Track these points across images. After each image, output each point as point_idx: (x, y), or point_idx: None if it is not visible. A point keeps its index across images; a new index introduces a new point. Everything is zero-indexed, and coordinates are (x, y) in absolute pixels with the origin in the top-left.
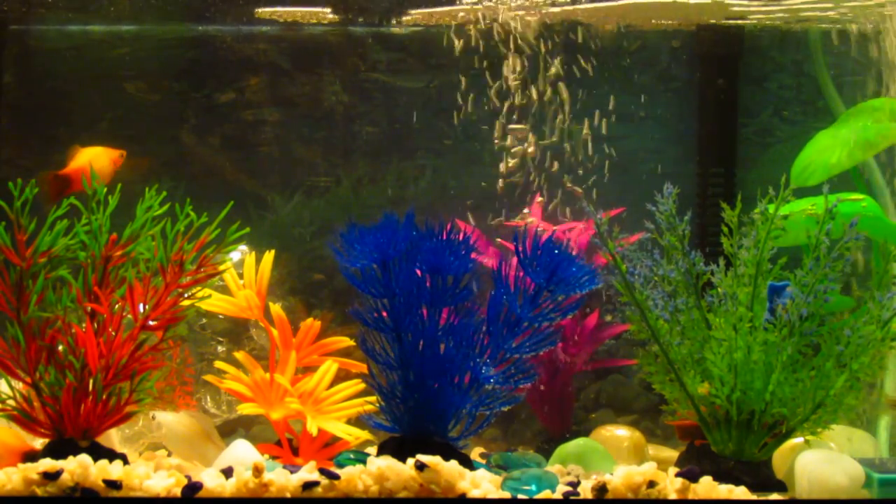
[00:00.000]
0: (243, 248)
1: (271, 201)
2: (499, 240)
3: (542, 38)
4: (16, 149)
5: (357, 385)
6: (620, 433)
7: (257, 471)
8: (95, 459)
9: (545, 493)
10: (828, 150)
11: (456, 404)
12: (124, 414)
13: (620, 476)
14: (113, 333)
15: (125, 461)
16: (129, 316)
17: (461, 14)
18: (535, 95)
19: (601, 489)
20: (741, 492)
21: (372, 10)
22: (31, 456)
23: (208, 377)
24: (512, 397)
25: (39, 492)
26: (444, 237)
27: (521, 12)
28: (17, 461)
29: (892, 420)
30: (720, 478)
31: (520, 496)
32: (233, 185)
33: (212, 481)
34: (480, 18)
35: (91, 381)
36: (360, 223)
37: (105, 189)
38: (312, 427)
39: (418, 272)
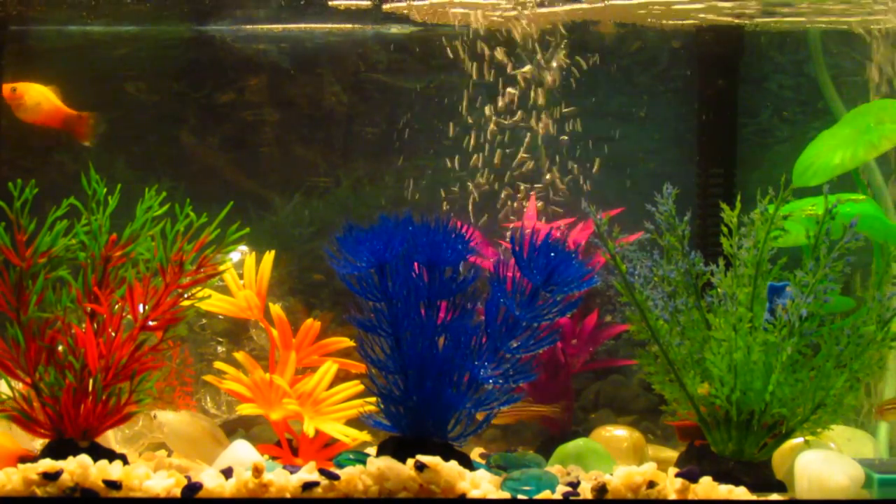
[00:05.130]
0: (243, 248)
1: (271, 201)
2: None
3: (543, 39)
4: (16, 149)
5: (356, 386)
6: (620, 433)
7: (257, 471)
8: (95, 460)
9: (545, 494)
10: (831, 150)
11: (455, 405)
12: (124, 414)
13: (620, 476)
14: (113, 334)
15: (125, 461)
16: (129, 316)
17: (460, 14)
18: (533, 96)
19: (601, 489)
20: (741, 492)
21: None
22: (25, 459)
23: (208, 377)
24: (511, 397)
25: (39, 492)
26: (441, 231)
27: (519, 12)
28: (12, 464)
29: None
30: (720, 478)
31: (519, 496)
32: (233, 185)
33: (211, 481)
34: (480, 18)
35: (91, 382)
36: (358, 225)
37: (105, 189)
38: (309, 428)
39: (416, 265)
